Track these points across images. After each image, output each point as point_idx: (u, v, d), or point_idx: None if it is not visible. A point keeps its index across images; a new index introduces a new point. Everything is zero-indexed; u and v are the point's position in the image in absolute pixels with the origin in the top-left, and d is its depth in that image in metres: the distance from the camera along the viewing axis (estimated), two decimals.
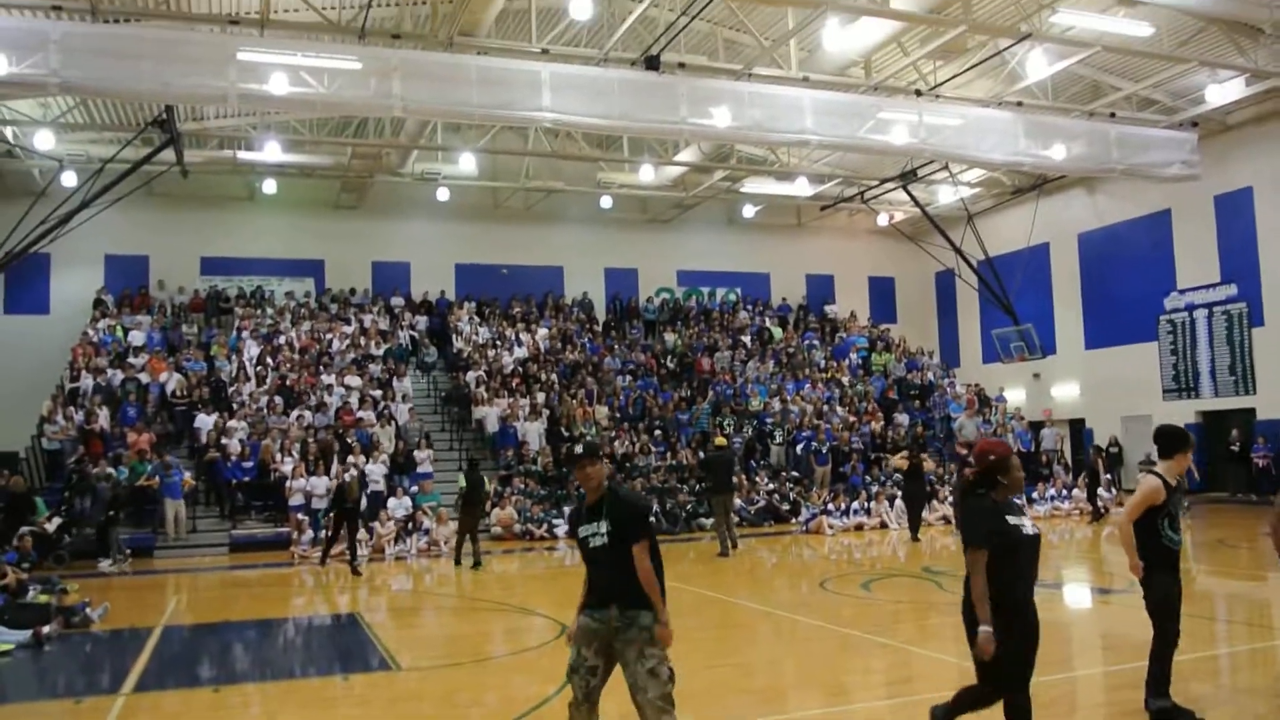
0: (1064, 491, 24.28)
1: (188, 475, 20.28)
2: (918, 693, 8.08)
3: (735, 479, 20.92)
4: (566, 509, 21.96)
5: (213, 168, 25.90)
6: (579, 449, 5.64)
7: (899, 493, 23.24)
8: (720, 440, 20.48)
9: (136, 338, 25.14)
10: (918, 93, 21.41)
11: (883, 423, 27.49)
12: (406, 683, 8.81)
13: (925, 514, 21.07)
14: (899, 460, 20.94)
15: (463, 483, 18.45)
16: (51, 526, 16.76)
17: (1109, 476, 24.73)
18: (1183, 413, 26.50)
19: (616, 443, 24.09)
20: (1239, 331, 25.31)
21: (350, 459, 20.64)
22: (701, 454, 23.31)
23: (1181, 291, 26.90)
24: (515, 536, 21.17)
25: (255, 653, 10.89)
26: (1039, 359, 28.17)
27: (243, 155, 25.44)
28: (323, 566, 17.51)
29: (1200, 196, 25.58)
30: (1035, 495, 24.08)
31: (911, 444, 24.40)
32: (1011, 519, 5.29)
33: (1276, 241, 24.48)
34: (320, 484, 20.36)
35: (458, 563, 17.50)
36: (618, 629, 5.33)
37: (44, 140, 22.34)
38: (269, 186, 27.42)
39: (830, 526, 21.52)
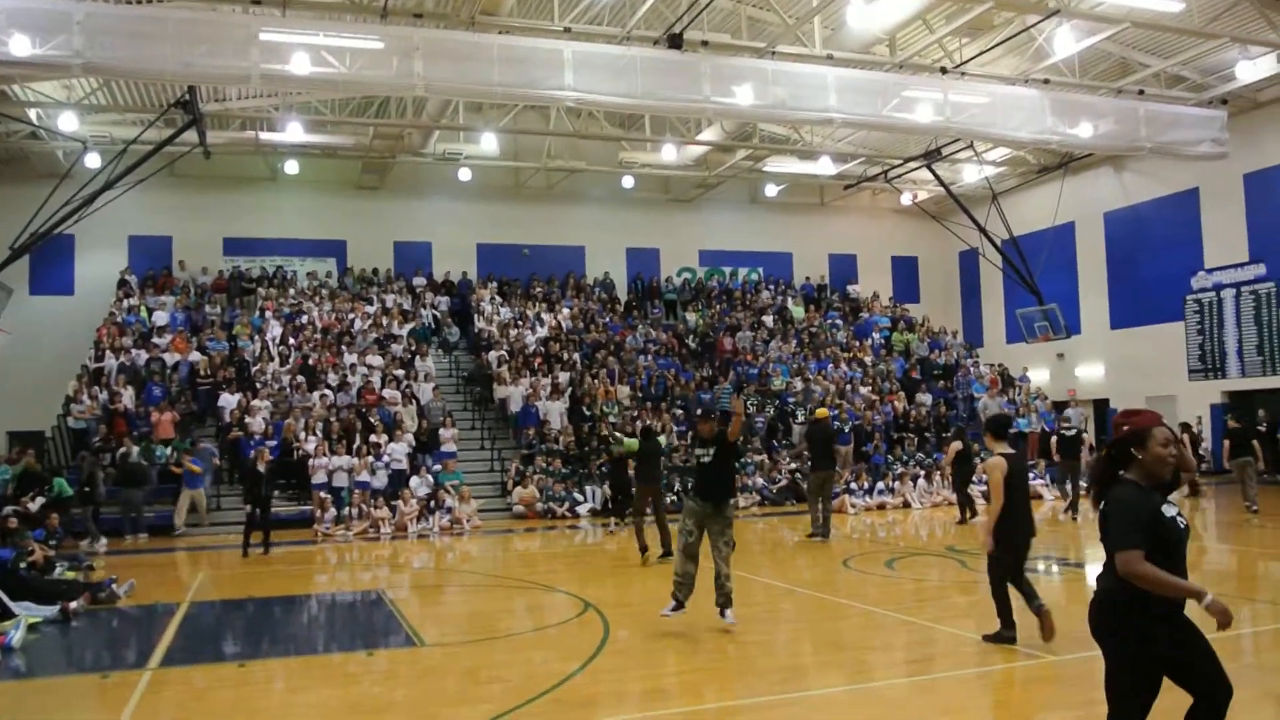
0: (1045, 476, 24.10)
1: (201, 463, 20.27)
2: (940, 670, 8.06)
3: (837, 454, 19.43)
4: (589, 488, 22.15)
5: (235, 149, 25.99)
6: (703, 412, 10.41)
7: (922, 473, 23.22)
8: (821, 411, 18.73)
9: (160, 318, 25.31)
10: (943, 70, 21.19)
11: (905, 402, 27.37)
12: (431, 658, 8.85)
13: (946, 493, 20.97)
14: (951, 450, 20.04)
15: (630, 445, 15.53)
16: (34, 506, 16.83)
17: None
18: (1209, 393, 26.28)
19: (638, 421, 24.05)
20: (1267, 311, 25.03)
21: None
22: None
23: (1209, 271, 26.61)
24: (538, 515, 21.23)
25: (280, 629, 10.96)
26: (1063, 339, 27.94)
27: (265, 136, 25.49)
28: (263, 554, 16.40)
29: (1229, 175, 25.28)
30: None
31: (956, 429, 23.79)
32: (1167, 510, 4.25)
33: None
34: (343, 462, 20.52)
35: (643, 549, 14.53)
36: (710, 513, 9.22)
37: (67, 122, 22.48)
38: (291, 167, 27.50)
39: (853, 505, 21.47)
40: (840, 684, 7.64)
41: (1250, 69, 22.44)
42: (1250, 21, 21.22)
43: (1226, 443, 18.96)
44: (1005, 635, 8.43)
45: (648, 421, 21.32)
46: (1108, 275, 29.92)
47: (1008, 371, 30.10)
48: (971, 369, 30.21)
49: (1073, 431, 19.86)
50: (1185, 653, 4.24)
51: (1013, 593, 8.44)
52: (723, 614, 9.21)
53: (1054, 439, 21.08)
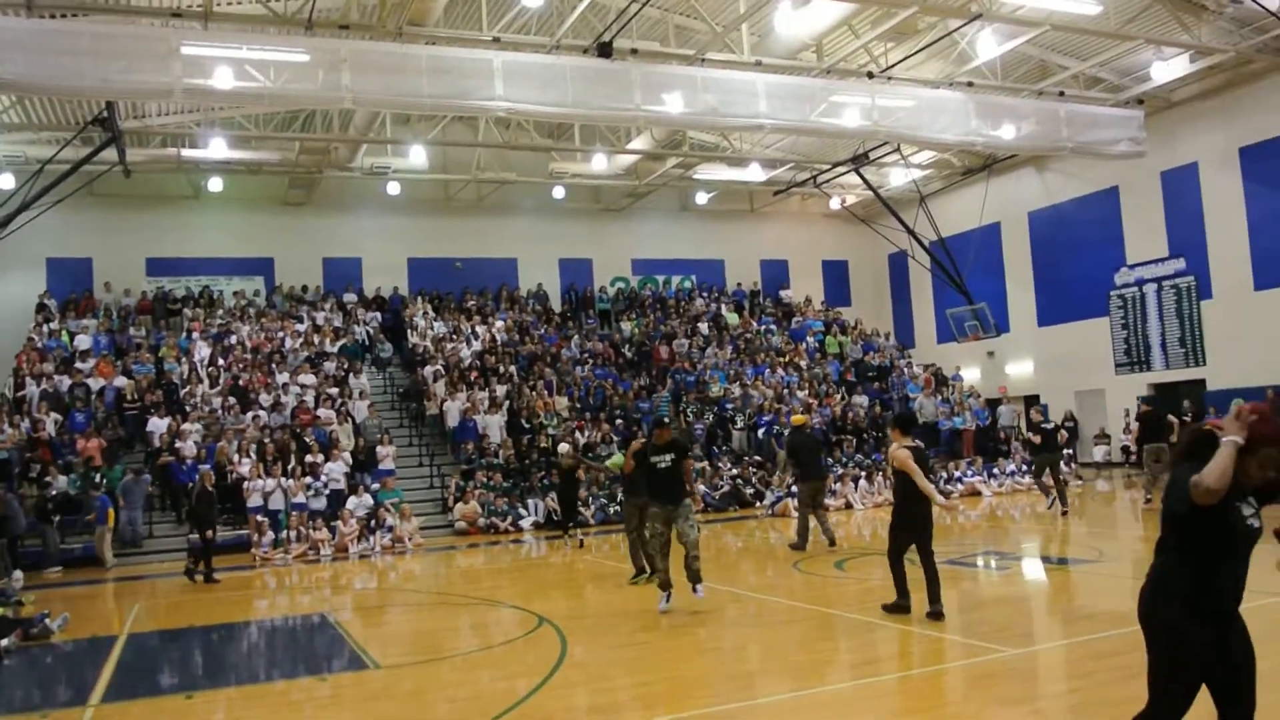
0: (1023, 467, 24.46)
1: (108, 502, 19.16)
2: (892, 671, 8.09)
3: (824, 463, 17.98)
4: (532, 501, 21.96)
5: (156, 166, 25.35)
6: (662, 421, 11.30)
7: (862, 474, 23.41)
8: (799, 418, 17.88)
9: (83, 342, 24.54)
10: (870, 75, 21.45)
11: (842, 405, 27.60)
12: (383, 681, 8.63)
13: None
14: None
15: (616, 462, 14.78)
16: None
17: (1069, 451, 24.88)
18: (1135, 386, 26.89)
19: (578, 433, 23.95)
20: (1188, 304, 25.69)
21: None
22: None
23: (1131, 266, 27.25)
24: (480, 531, 21.00)
25: (225, 657, 10.64)
26: (993, 337, 28.41)
27: (187, 153, 24.89)
28: (203, 582, 15.73)
29: (1147, 173, 25.92)
30: (996, 471, 24.34)
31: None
32: (1239, 502, 3.99)
33: (1222, 215, 24.86)
34: (279, 484, 20.09)
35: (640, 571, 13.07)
36: (674, 511, 10.35)
37: None
38: (215, 184, 26.91)
39: (796, 509, 21.52)
40: (801, 688, 7.61)
41: (1164, 69, 23.06)
42: (1164, 23, 21.80)
43: (1138, 425, 19.04)
44: (901, 605, 9.53)
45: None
46: (1034, 273, 30.51)
47: (941, 371, 30.51)
48: (905, 370, 30.58)
49: (1050, 425, 19.35)
50: (1228, 659, 4.07)
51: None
52: (694, 589, 10.39)
53: (1031, 434, 20.24)
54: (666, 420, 11.48)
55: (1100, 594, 11.22)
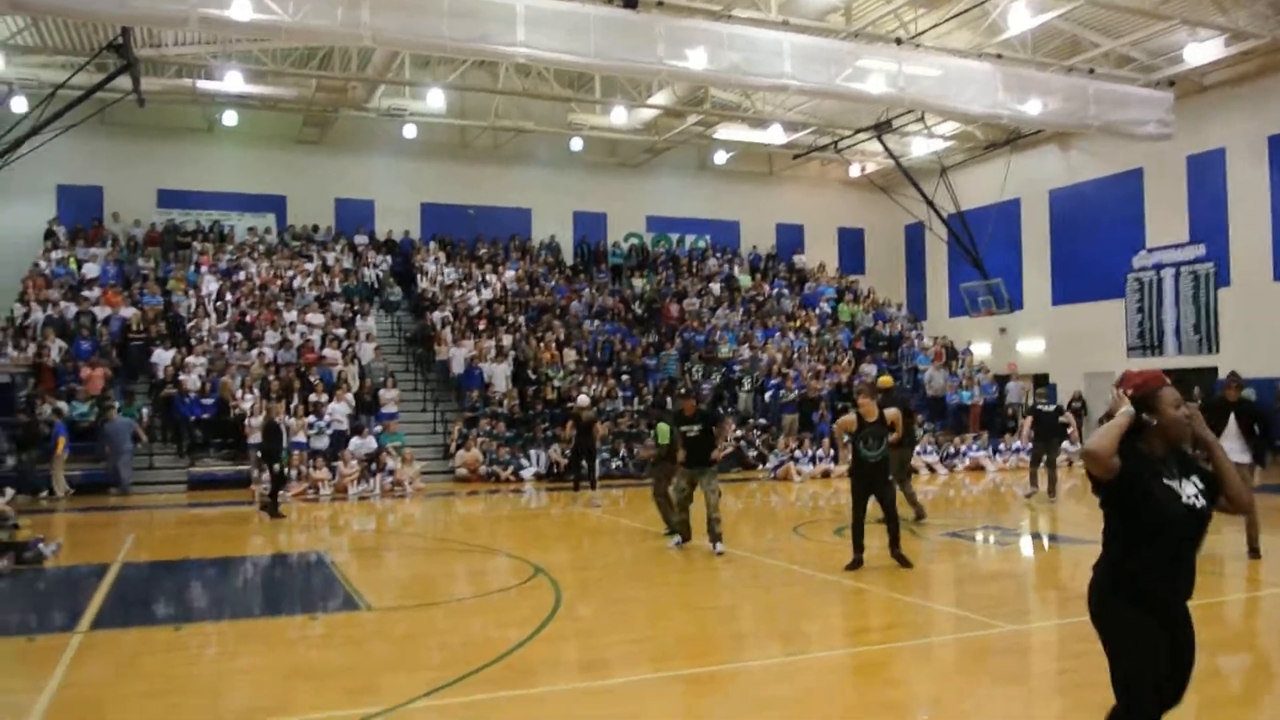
0: (1029, 444, 24.23)
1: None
2: (883, 641, 7.99)
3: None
4: (534, 452, 21.92)
5: (171, 97, 25.03)
6: (685, 392, 13.66)
7: None
8: (886, 380, 16.07)
9: (90, 270, 24.45)
10: (898, 41, 21.06)
11: (851, 372, 27.44)
12: (376, 624, 8.58)
13: None
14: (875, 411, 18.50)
15: (664, 436, 13.45)
16: None
17: (1070, 431, 24.56)
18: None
19: (584, 387, 23.85)
20: (1205, 291, 25.39)
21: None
22: None
23: (1150, 250, 26.92)
24: (481, 479, 20.98)
25: (217, 591, 10.62)
26: (1006, 313, 28.17)
27: (202, 85, 24.54)
28: (269, 517, 15.77)
29: (1173, 156, 25.49)
30: (1001, 447, 24.21)
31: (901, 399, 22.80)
32: (1170, 480, 3.80)
33: (1246, 203, 24.49)
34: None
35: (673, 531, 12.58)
36: (700, 473, 11.59)
37: None
38: (229, 118, 26.63)
39: (799, 473, 21.50)
40: (792, 653, 7.52)
41: (1198, 51, 22.63)
42: (1199, 5, 21.31)
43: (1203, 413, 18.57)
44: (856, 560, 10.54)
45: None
46: (1051, 252, 30.17)
47: (952, 344, 30.29)
48: (915, 341, 30.38)
49: (1051, 407, 17.59)
50: (1172, 650, 3.85)
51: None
52: (714, 546, 11.45)
53: (1029, 416, 18.46)
54: (684, 392, 13.59)
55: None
